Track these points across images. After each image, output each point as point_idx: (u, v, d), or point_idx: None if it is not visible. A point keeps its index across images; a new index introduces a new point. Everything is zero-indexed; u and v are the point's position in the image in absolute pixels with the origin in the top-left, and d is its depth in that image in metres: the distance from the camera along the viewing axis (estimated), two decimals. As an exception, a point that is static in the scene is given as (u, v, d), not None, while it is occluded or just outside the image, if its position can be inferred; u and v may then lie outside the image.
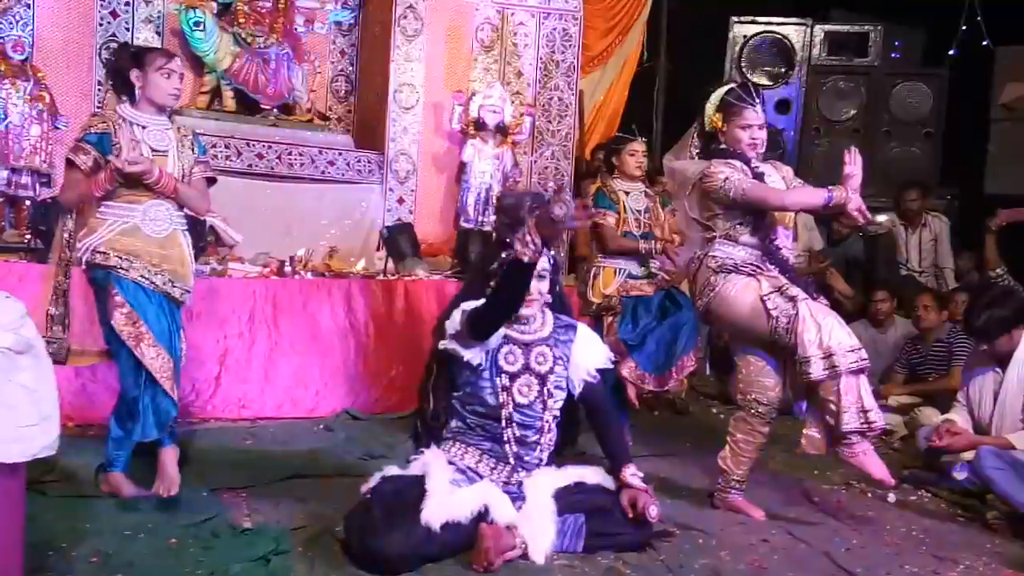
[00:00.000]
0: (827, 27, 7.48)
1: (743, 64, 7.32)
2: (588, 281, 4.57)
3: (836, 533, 3.40)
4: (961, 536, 3.50)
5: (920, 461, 4.38)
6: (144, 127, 3.27)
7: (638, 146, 4.55)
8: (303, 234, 5.41)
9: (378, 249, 5.57)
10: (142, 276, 3.19)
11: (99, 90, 5.21)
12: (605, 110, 7.81)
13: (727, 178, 3.40)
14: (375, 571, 2.73)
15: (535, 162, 6.37)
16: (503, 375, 3.03)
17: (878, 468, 3.36)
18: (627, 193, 4.53)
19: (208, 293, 4.44)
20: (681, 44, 8.00)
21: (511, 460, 3.03)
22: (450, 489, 2.91)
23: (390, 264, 5.29)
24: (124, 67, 3.29)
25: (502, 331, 3.03)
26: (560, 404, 3.12)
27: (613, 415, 3.27)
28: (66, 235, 3.24)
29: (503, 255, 2.95)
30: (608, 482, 3.11)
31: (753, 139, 3.49)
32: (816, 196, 3.44)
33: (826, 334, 3.29)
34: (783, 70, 7.40)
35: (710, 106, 3.57)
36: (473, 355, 2.99)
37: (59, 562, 2.65)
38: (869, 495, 3.97)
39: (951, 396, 4.46)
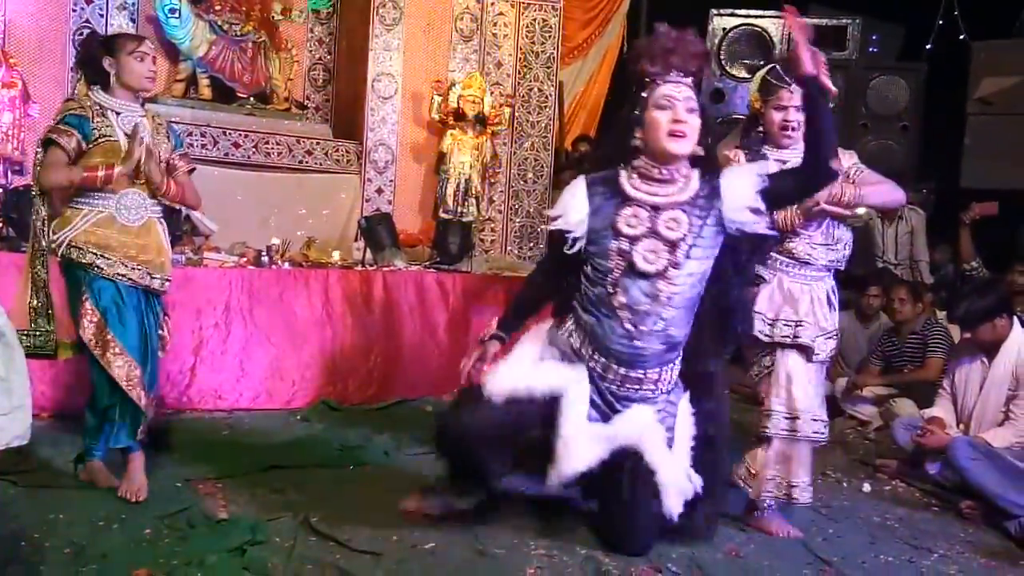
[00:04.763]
0: (805, 20, 7.50)
1: (722, 56, 7.33)
2: None
3: (812, 523, 3.42)
4: (935, 525, 3.54)
5: (894, 452, 4.41)
6: (118, 113, 3.21)
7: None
8: (280, 224, 5.37)
9: (356, 239, 5.54)
10: (119, 274, 3.13)
11: (73, 76, 5.12)
12: (585, 101, 7.83)
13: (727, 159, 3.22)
14: (442, 452, 2.94)
15: (515, 153, 6.36)
16: (621, 238, 2.74)
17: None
18: None
19: (183, 283, 4.37)
20: (661, 36, 8.00)
21: (617, 346, 2.71)
22: (534, 363, 2.75)
23: (368, 254, 5.26)
24: (96, 55, 3.22)
25: (628, 190, 2.75)
26: (688, 283, 2.75)
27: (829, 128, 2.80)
28: (39, 224, 3.13)
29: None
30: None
31: (786, 121, 3.24)
32: None
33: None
34: (762, 63, 7.40)
35: (752, 86, 3.45)
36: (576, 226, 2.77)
37: (31, 553, 2.62)
38: (844, 485, 4.01)
39: (926, 387, 4.51)
